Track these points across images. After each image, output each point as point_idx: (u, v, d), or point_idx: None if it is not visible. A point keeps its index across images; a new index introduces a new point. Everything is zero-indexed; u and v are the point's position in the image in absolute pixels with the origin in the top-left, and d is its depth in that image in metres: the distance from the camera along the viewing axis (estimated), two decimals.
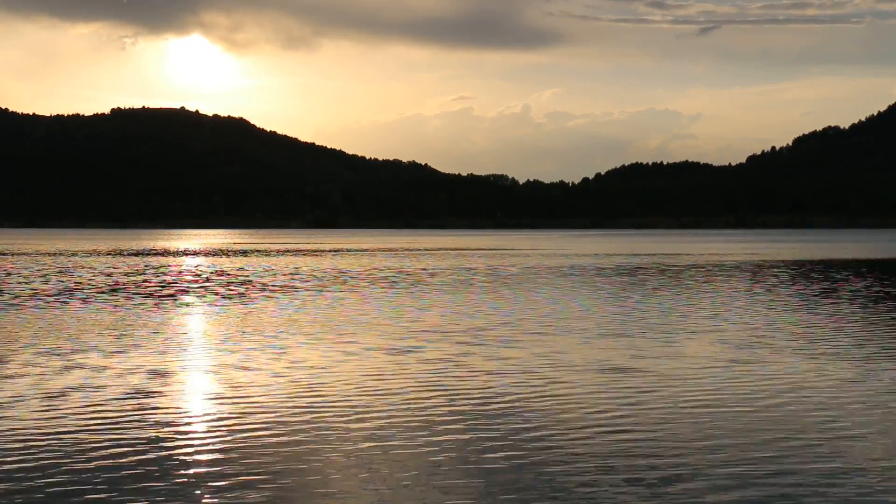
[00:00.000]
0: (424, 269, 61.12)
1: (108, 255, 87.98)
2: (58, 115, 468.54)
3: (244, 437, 13.85)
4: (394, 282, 48.82)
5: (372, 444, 13.43)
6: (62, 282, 48.33)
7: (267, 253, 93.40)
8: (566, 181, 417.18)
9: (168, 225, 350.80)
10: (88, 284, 46.51)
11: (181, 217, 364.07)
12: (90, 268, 62.86)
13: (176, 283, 48.24)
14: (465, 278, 52.00)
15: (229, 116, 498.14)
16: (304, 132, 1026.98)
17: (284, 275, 54.91)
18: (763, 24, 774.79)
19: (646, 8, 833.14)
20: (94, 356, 21.65)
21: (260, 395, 16.97)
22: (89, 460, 12.56)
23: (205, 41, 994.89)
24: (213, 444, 13.48)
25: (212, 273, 57.05)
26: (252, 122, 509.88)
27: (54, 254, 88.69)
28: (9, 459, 12.59)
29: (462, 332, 26.69)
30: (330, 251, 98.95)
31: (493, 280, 50.59)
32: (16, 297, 38.69)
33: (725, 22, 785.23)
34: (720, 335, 25.88)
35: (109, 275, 54.96)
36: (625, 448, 13.15)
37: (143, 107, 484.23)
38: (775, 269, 61.86)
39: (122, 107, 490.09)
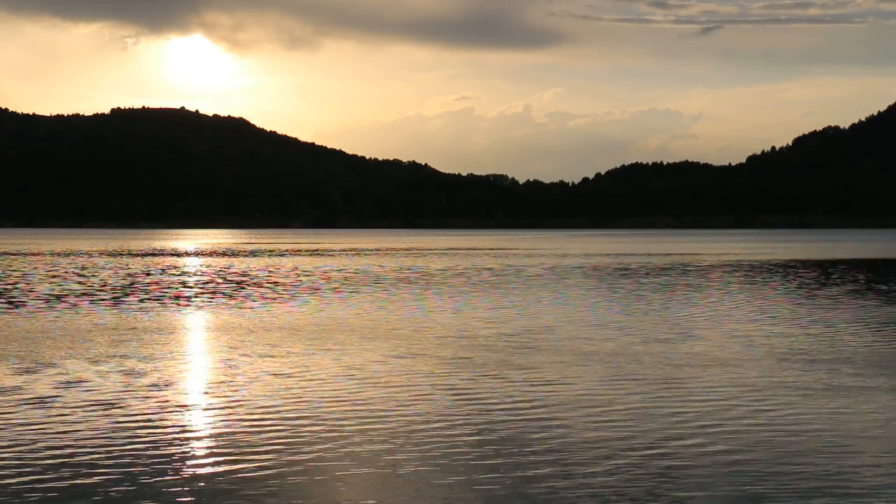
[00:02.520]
0: (446, 270, 60.97)
1: (121, 255, 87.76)
2: (58, 115, 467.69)
3: (281, 445, 13.69)
4: (420, 283, 48.66)
5: (410, 460, 13.07)
6: (86, 283, 48.18)
7: (280, 254, 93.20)
8: (566, 181, 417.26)
9: (168, 225, 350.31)
10: (115, 286, 46.37)
11: (181, 217, 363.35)
12: (109, 268, 62.68)
13: (203, 284, 48.06)
14: (491, 279, 51.81)
15: (229, 116, 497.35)
16: (305, 132, 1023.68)
17: (310, 276, 54.74)
18: (765, 23, 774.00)
19: (648, 8, 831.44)
20: (132, 362, 21.40)
21: (300, 404, 16.60)
22: (112, 465, 12.51)
23: (206, 41, 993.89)
24: (247, 453, 13.30)
25: (233, 274, 56.83)
26: (252, 122, 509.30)
27: (67, 254, 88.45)
28: (35, 462, 12.53)
29: (506, 336, 26.29)
30: (342, 251, 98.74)
31: (520, 281, 50.44)
32: (44, 298, 38.55)
33: (727, 22, 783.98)
34: (780, 340, 25.78)
35: (129, 276, 54.82)
36: (669, 470, 12.85)
37: (143, 107, 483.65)
38: (801, 270, 61.81)
39: (122, 107, 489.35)
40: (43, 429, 14.60)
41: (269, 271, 59.50)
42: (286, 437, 14.04)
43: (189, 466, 12.52)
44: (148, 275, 55.83)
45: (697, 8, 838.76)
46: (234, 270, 60.67)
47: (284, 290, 43.65)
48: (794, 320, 30.46)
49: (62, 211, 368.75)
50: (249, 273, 57.55)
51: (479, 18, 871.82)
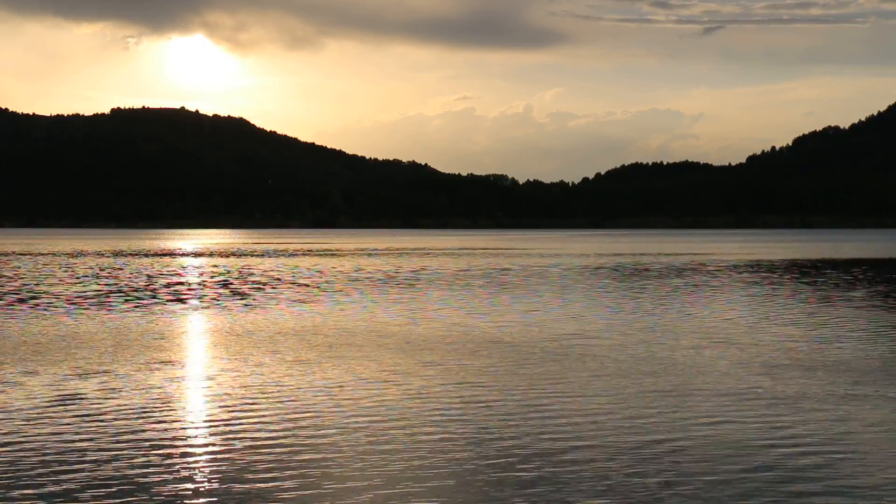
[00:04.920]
0: (466, 271, 60.81)
1: (135, 256, 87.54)
2: (58, 115, 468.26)
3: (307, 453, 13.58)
4: (445, 285, 48.53)
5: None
6: (109, 285, 48.05)
7: (291, 254, 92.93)
8: (566, 181, 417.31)
9: (168, 225, 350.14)
10: (140, 288, 46.27)
11: (181, 217, 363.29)
12: (127, 269, 62.53)
13: (226, 286, 47.92)
14: (516, 281, 51.65)
15: (229, 116, 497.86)
16: (305, 132, 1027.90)
17: (332, 277, 54.60)
18: (767, 23, 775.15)
19: (649, 8, 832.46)
20: (161, 368, 21.19)
21: (332, 416, 16.19)
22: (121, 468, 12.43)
23: (207, 41, 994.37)
24: (269, 461, 13.19)
25: (255, 275, 56.64)
26: (252, 122, 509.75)
27: (78, 255, 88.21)
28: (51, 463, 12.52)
29: (541, 344, 25.63)
30: (354, 252, 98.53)
31: (545, 282, 50.31)
32: (69, 300, 38.42)
33: (729, 22, 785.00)
34: (818, 347, 25.69)
35: (149, 277, 54.68)
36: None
37: (143, 107, 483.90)
38: (825, 270, 61.76)
39: (122, 107, 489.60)
40: (52, 431, 14.59)
41: (290, 272, 59.34)
42: (314, 450, 13.66)
43: (201, 476, 12.35)
44: (168, 276, 55.69)
45: (699, 8, 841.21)
46: (255, 271, 60.45)
47: (311, 291, 43.47)
48: (826, 325, 30.43)
49: (62, 211, 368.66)
50: (270, 274, 57.37)
51: (480, 18, 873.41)
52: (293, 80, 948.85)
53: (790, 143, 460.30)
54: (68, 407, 16.50)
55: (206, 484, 12.01)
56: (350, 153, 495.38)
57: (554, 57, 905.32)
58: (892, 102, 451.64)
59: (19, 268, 63.87)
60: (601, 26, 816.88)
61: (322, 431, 14.69)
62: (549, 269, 63.87)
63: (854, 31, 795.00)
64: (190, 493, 11.64)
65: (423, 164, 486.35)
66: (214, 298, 39.41)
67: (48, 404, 16.72)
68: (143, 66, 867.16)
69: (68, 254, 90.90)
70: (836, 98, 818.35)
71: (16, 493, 11.52)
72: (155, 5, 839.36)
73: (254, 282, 50.10)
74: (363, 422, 15.38)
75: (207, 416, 15.94)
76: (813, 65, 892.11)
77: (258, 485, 11.92)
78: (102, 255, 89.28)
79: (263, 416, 15.86)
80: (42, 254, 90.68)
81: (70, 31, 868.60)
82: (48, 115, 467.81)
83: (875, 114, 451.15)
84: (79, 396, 17.45)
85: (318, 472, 12.50)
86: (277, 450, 13.58)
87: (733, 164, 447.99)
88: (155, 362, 21.56)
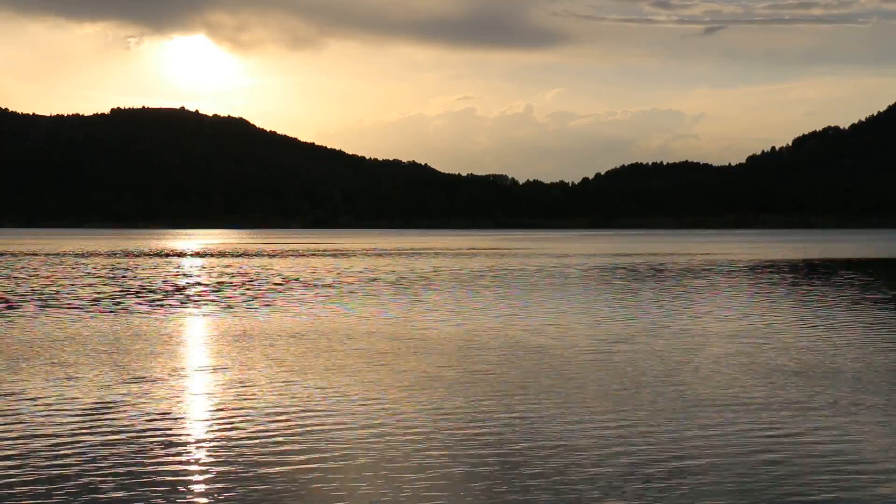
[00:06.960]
0: (483, 271, 60.84)
1: (147, 256, 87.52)
2: (58, 115, 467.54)
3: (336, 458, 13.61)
4: (464, 285, 48.56)
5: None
6: (128, 286, 48.11)
7: (301, 254, 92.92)
8: (566, 181, 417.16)
9: (168, 225, 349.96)
10: (161, 289, 46.34)
11: (181, 217, 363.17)
12: (140, 270, 62.57)
13: (246, 286, 47.96)
14: (536, 281, 51.72)
15: (229, 116, 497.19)
16: (306, 132, 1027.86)
17: (353, 278, 54.68)
18: (768, 23, 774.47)
19: (651, 8, 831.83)
20: (192, 370, 21.25)
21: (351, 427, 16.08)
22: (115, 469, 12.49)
23: (208, 41, 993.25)
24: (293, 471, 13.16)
25: (273, 276, 56.69)
26: (252, 122, 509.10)
27: (87, 255, 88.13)
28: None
29: (569, 350, 25.53)
30: (364, 252, 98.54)
31: (565, 282, 50.36)
32: (90, 301, 38.49)
33: (731, 22, 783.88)
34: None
35: (166, 277, 54.76)
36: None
37: (143, 107, 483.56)
38: (839, 271, 61.87)
39: (122, 107, 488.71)
40: (74, 438, 14.59)
41: (306, 273, 59.35)
42: (328, 455, 13.64)
43: (215, 481, 12.41)
44: (182, 277, 55.69)
45: (701, 8, 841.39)
46: (271, 272, 60.42)
47: (331, 293, 43.45)
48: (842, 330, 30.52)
49: (62, 211, 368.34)
50: (287, 275, 57.39)
51: (481, 18, 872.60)
52: (294, 80, 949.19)
53: (790, 143, 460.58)
54: (91, 414, 16.37)
55: (217, 488, 12.08)
56: (350, 153, 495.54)
57: (555, 57, 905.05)
58: (892, 102, 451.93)
59: (23, 268, 63.83)
60: (602, 26, 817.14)
61: (339, 439, 14.55)
62: (565, 269, 63.88)
63: (855, 31, 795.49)
64: (201, 496, 11.75)
65: (423, 164, 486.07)
66: (236, 300, 39.35)
67: (73, 410, 16.65)
68: (143, 66, 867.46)
69: (77, 254, 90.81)
70: (836, 98, 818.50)
71: (42, 495, 11.66)
72: (157, 5, 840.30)
73: (274, 283, 50.07)
74: (376, 430, 15.15)
75: (229, 423, 15.74)
76: (814, 65, 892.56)
77: (270, 491, 11.96)
78: (114, 255, 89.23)
79: (288, 424, 15.60)
80: (51, 254, 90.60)
81: (71, 30, 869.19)
82: (48, 115, 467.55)
83: (875, 114, 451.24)
84: (102, 402, 17.33)
85: (333, 478, 12.49)
86: (297, 461, 13.40)
87: (733, 164, 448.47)
88: (178, 367, 21.44)
